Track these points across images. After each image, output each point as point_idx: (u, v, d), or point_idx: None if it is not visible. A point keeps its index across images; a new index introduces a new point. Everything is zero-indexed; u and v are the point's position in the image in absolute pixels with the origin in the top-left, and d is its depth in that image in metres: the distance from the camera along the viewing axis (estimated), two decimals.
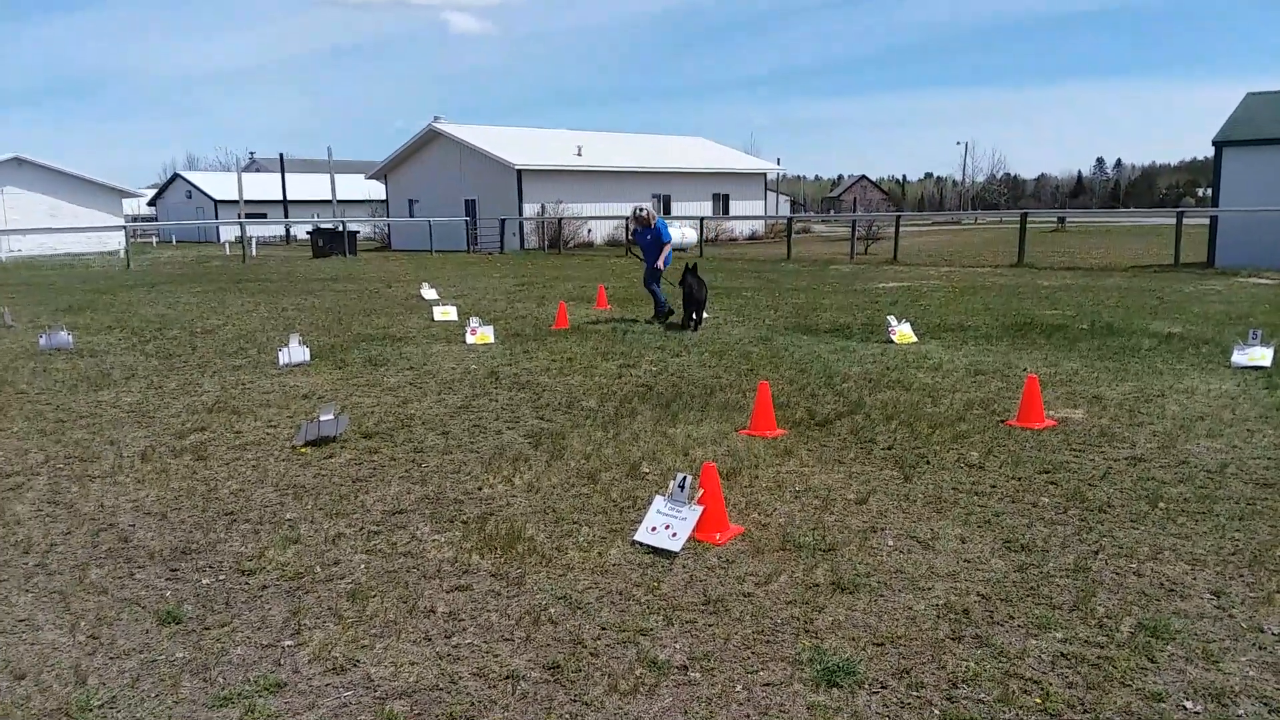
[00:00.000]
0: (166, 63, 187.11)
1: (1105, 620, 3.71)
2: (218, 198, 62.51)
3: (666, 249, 13.10)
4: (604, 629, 3.73)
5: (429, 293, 17.08)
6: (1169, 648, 3.48)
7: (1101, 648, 3.49)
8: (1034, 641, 3.55)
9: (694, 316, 11.96)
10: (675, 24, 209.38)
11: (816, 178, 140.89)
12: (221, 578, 4.29)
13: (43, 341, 11.06)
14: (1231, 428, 6.61)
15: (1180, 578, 4.11)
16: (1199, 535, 4.60)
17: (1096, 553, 4.41)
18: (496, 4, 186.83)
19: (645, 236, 13.39)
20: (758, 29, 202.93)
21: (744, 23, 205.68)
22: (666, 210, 42.17)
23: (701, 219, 33.76)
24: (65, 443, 6.70)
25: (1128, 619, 3.72)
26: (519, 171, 37.30)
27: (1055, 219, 50.16)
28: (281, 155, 60.41)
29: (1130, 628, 3.64)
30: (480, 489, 5.50)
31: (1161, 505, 5.03)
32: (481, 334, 11.22)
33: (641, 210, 13.62)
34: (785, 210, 66.35)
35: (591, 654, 3.52)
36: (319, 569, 4.36)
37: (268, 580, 4.25)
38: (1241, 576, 4.10)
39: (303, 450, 6.38)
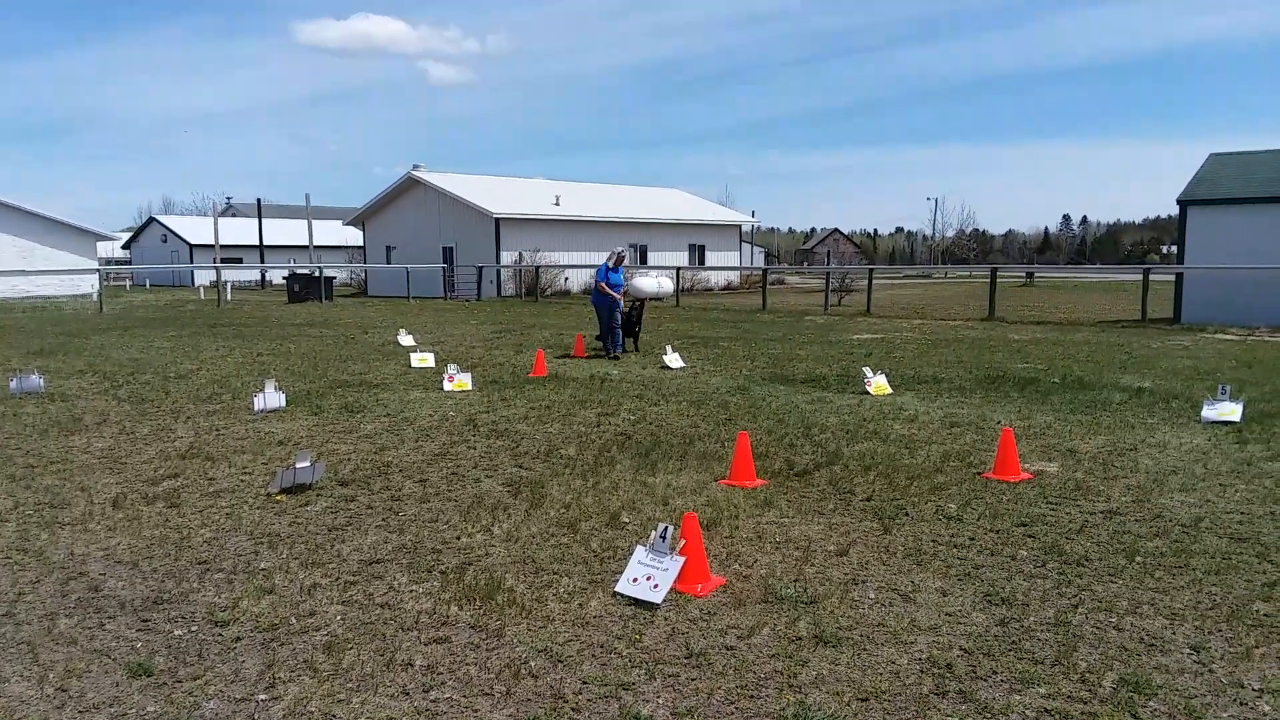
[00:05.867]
0: (145, 106, 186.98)
1: (1088, 675, 3.71)
2: (193, 242, 62.19)
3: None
4: (585, 683, 3.68)
5: (406, 339, 17.04)
6: (1151, 703, 3.48)
7: (1085, 703, 3.48)
8: (1017, 697, 3.54)
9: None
10: (653, 75, 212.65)
11: (790, 230, 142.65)
12: (194, 629, 4.20)
13: (13, 385, 10.89)
14: (1204, 482, 6.69)
15: (1160, 632, 4.12)
16: (1176, 589, 4.63)
17: (1076, 607, 4.42)
18: (476, 54, 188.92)
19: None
20: (734, 82, 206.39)
21: (720, 76, 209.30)
22: (643, 260, 42.48)
23: (678, 269, 34.03)
24: (35, 489, 6.58)
25: (1110, 674, 3.72)
26: (497, 220, 37.51)
27: (1024, 274, 50.98)
28: (259, 200, 60.33)
29: (1113, 683, 3.64)
30: (459, 538, 5.45)
31: (1139, 559, 5.06)
32: (459, 381, 11.18)
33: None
34: (760, 261, 67.02)
35: (573, 709, 3.47)
36: (294, 620, 4.29)
37: (242, 631, 4.17)
38: (1220, 631, 4.13)
39: (278, 498, 6.30)
